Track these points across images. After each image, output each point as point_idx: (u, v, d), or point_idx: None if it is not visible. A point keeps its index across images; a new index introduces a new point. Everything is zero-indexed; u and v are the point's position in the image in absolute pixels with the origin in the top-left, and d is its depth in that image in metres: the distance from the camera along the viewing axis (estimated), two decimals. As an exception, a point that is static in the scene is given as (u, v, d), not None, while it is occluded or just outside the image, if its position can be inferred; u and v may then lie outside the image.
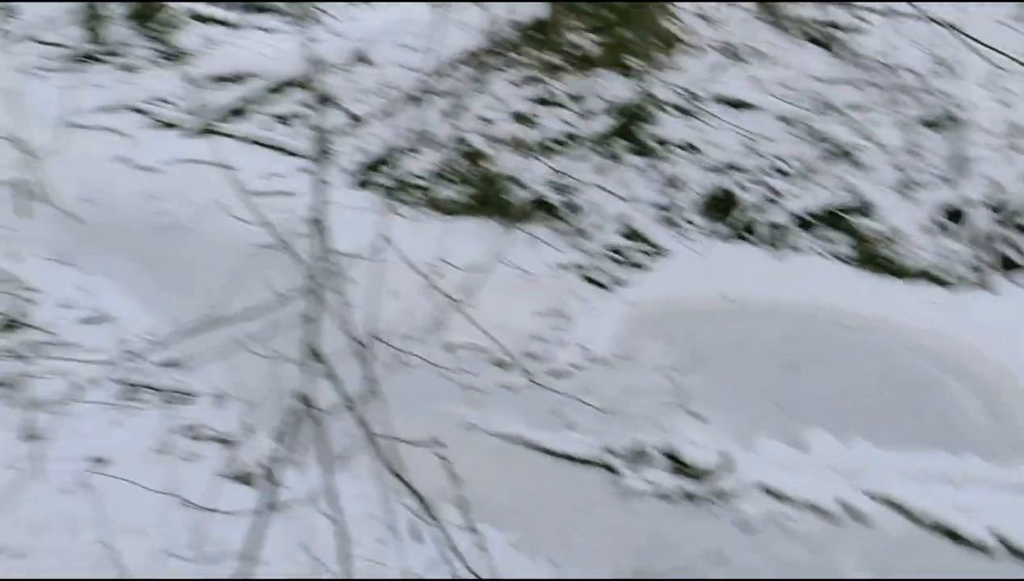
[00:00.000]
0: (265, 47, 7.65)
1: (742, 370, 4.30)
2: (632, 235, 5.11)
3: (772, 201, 5.16)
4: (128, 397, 3.48)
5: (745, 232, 5.15)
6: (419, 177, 5.66)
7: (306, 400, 1.95)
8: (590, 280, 4.93)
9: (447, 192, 5.61)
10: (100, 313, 4.25)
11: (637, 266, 4.96)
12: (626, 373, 4.33)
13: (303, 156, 6.12)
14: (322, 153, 1.66)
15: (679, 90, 5.59)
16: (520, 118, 5.64)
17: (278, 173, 5.96)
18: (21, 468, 2.93)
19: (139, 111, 6.65)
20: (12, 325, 3.84)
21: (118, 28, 7.68)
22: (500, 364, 4.24)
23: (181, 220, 5.56)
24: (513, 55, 5.83)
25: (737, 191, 5.22)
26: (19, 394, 3.34)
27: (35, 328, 3.88)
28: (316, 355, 2.00)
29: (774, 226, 5.10)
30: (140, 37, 7.66)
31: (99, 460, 3.13)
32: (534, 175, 5.42)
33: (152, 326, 4.35)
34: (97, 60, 7.40)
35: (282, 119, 6.44)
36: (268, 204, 5.86)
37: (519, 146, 5.54)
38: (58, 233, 5.41)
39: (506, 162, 5.51)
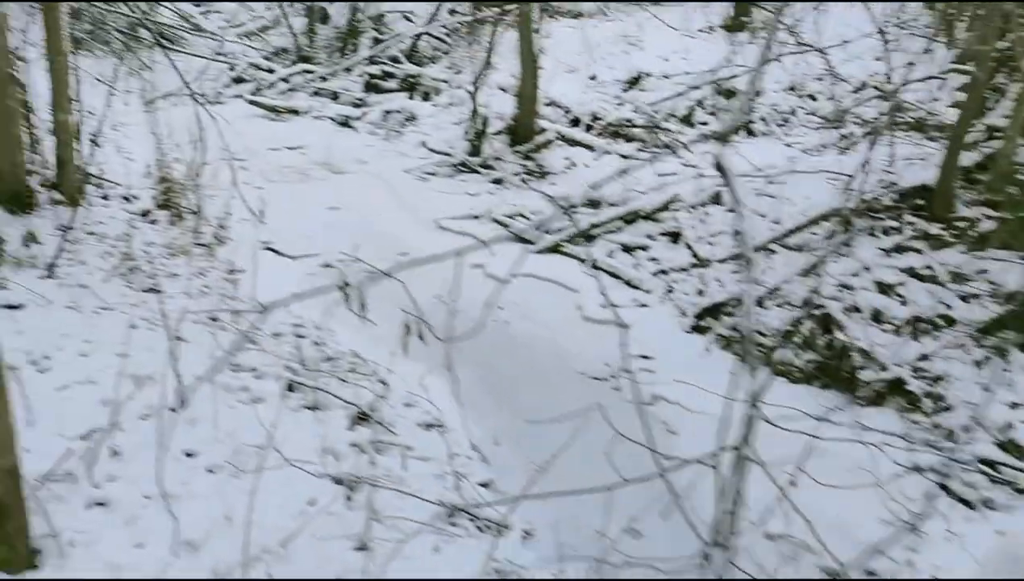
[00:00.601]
0: (621, 174, 7.92)
1: None
2: (1015, 449, 4.29)
3: None
4: (449, 520, 3.56)
5: None
6: (760, 332, 5.34)
7: None
8: (950, 493, 4.19)
9: (788, 353, 5.21)
10: (435, 418, 4.48)
11: (1020, 491, 4.13)
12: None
13: (642, 289, 6.12)
14: (753, 360, 1.50)
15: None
16: (885, 289, 5.11)
17: (617, 302, 5.99)
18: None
19: (499, 222, 7.16)
20: (363, 418, 4.16)
21: (495, 144, 8.47)
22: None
23: (519, 334, 5.78)
24: (886, 220, 5.35)
25: None
26: (356, 495, 3.57)
27: (381, 425, 4.16)
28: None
29: None
30: (513, 154, 8.37)
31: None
32: (893, 354, 4.83)
33: (480, 439, 4.48)
34: (473, 171, 8.19)
35: (628, 249, 6.53)
36: (603, 333, 5.96)
37: (879, 319, 4.99)
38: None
39: (862, 334, 4.99)
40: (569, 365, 5.45)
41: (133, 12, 8.67)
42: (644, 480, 2.45)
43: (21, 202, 5.10)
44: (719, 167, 1.65)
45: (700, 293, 5.88)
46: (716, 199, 6.61)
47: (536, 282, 6.37)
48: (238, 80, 10.51)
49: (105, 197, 6.01)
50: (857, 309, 5.06)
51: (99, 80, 8.45)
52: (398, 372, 4.95)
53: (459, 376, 4.63)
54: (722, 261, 5.98)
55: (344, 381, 4.44)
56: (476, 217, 7.32)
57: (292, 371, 4.36)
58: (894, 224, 5.36)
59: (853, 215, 5.42)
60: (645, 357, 5.43)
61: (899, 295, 5.06)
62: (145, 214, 6.18)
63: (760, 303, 5.46)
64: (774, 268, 5.75)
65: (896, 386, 4.78)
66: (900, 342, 4.90)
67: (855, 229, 5.31)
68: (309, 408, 4.09)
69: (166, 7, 11.66)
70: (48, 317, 4.27)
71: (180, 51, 10.27)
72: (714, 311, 5.70)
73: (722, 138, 1.61)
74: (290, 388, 4.18)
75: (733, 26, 10.41)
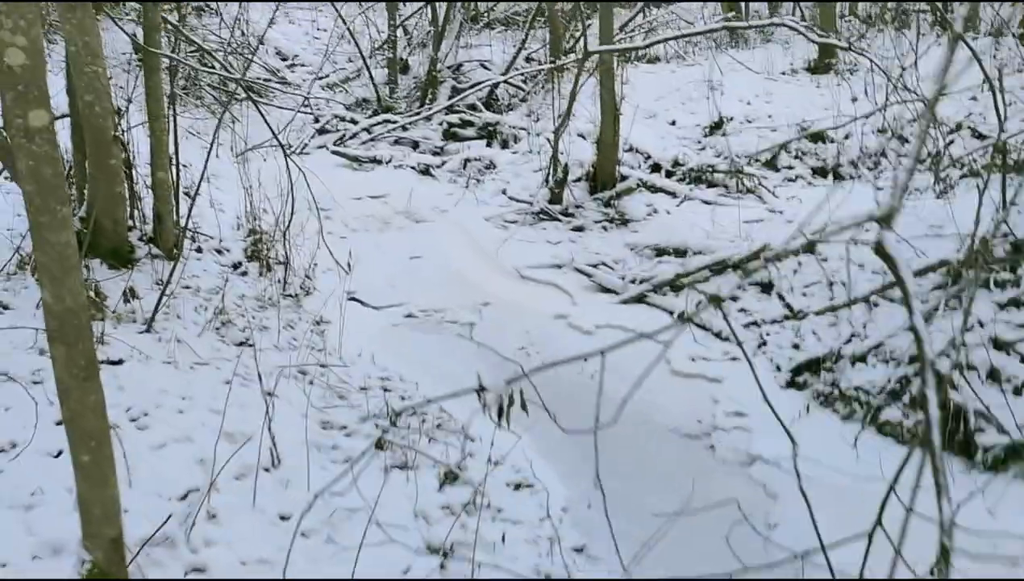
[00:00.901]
0: (706, 221, 7.78)
1: None
2: None
3: None
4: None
5: None
6: (862, 390, 5.07)
7: None
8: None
9: (894, 412, 4.92)
10: (524, 478, 4.36)
11: None
12: None
13: (732, 341, 5.91)
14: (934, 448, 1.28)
15: None
16: (1002, 346, 4.80)
17: (705, 356, 5.81)
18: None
19: (582, 272, 7.06)
20: (449, 477, 4.08)
21: (576, 191, 8.42)
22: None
23: (605, 389, 5.62)
24: (1000, 271, 5.04)
25: None
26: (450, 563, 3.47)
27: (469, 485, 4.08)
28: None
29: None
30: (593, 201, 8.30)
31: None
32: (1017, 418, 4.51)
33: (570, 500, 4.35)
34: (554, 219, 8.14)
35: (716, 300, 6.32)
36: (692, 387, 5.77)
37: (996, 379, 4.68)
38: (497, 377, 5.83)
39: (977, 394, 4.68)
40: (659, 421, 5.27)
41: (227, 70, 9.00)
42: (770, 567, 2.27)
43: (122, 258, 5.27)
44: (883, 254, 1.51)
45: (796, 347, 5.64)
46: (809, 248, 6.37)
47: (622, 334, 6.23)
48: (322, 131, 10.79)
49: (199, 250, 6.17)
50: (971, 367, 4.75)
51: (194, 134, 8.79)
52: (487, 426, 4.87)
53: (546, 431, 4.53)
54: (819, 313, 5.74)
55: (432, 439, 4.37)
56: (558, 266, 7.25)
57: (381, 428, 4.32)
58: (1009, 276, 5.05)
59: (963, 267, 5.14)
60: (739, 414, 5.21)
61: (1018, 353, 4.74)
62: (236, 266, 6.32)
63: (863, 359, 5.19)
64: (874, 321, 5.48)
65: (1018, 451, 4.45)
66: (1021, 403, 4.57)
67: (966, 281, 5.02)
68: (399, 467, 4.03)
69: (256, 62, 12.10)
70: (147, 372, 4.35)
71: (268, 104, 10.62)
72: (812, 366, 5.46)
73: (885, 220, 1.47)
74: (379, 446, 4.14)
75: (818, 68, 10.18)
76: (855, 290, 5.64)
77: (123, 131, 5.63)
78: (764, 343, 5.78)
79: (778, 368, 5.56)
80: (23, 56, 1.85)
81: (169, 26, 6.46)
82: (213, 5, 13.19)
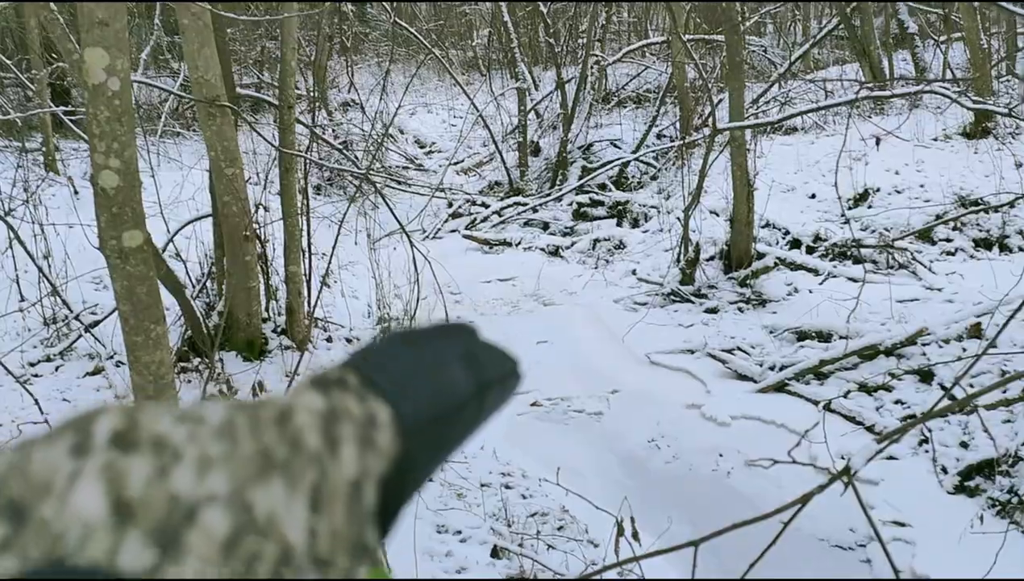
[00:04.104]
0: (853, 301, 7.20)
1: None
2: None
3: None
4: None
5: None
6: (1050, 500, 4.39)
7: None
8: None
9: (1091, 528, 4.21)
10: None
11: None
12: None
13: (885, 436, 5.31)
14: None
15: None
16: None
17: (856, 452, 5.24)
18: None
19: (715, 357, 6.66)
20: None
21: (709, 270, 8.07)
22: None
23: (743, 488, 5.18)
24: None
25: None
26: None
27: (591, 598, 3.76)
28: None
29: None
30: (727, 281, 7.91)
31: None
32: None
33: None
34: (686, 300, 7.81)
35: (868, 389, 5.77)
36: (839, 490, 5.21)
37: None
38: (626, 471, 5.51)
39: None
40: (804, 528, 4.75)
41: (355, 165, 9.40)
42: None
43: (255, 350, 5.43)
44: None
45: (964, 446, 5.00)
46: (975, 332, 5.73)
47: (760, 426, 5.77)
48: (455, 215, 11.02)
49: (329, 339, 6.29)
50: None
51: (333, 222, 9.17)
52: (610, 530, 4.56)
53: (677, 537, 4.16)
54: (991, 407, 5.08)
55: (551, 547, 4.11)
56: (690, 351, 6.88)
57: (497, 533, 4.11)
58: None
59: None
60: (899, 523, 4.62)
61: None
62: (365, 355, 6.39)
63: (1047, 463, 4.51)
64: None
65: None
66: None
67: None
68: None
69: (393, 151, 12.64)
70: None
71: (403, 190, 10.99)
72: (984, 468, 4.80)
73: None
74: (495, 554, 3.92)
75: (974, 133, 9.43)
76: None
77: (260, 226, 5.88)
78: (925, 440, 5.16)
79: (943, 470, 4.93)
80: (117, 178, 1.86)
81: (304, 127, 6.78)
82: (357, 101, 13.98)
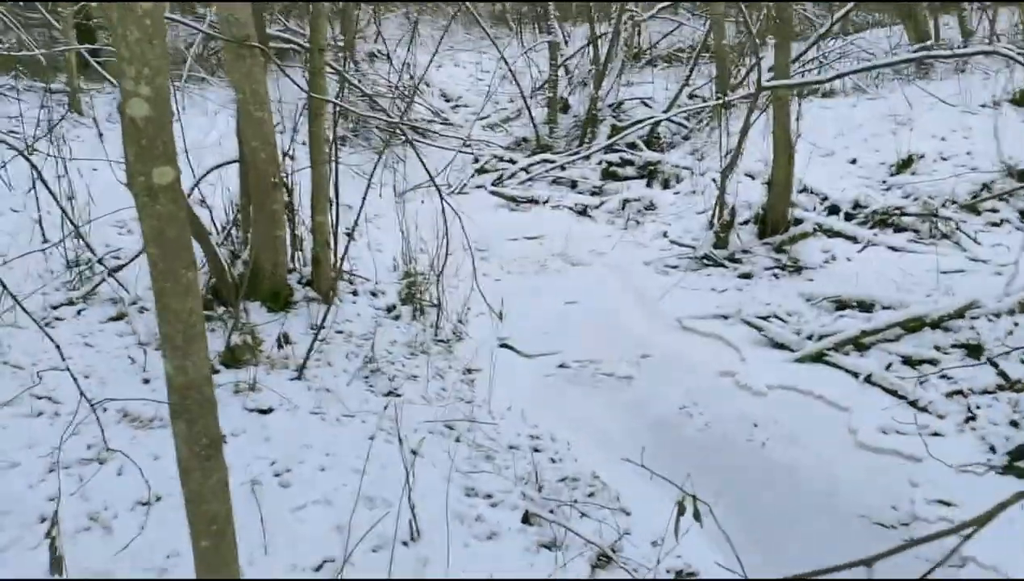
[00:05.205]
0: (895, 270, 6.96)
1: None
2: None
3: None
4: None
5: None
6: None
7: None
8: None
9: None
10: (686, 563, 3.87)
11: None
12: None
13: (933, 413, 5.12)
14: None
15: None
16: None
17: (899, 428, 5.06)
18: None
19: (750, 324, 6.46)
20: (604, 559, 3.66)
21: (743, 235, 7.82)
22: None
23: (779, 460, 5.01)
24: None
25: None
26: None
27: (624, 569, 3.64)
28: None
29: None
30: (763, 246, 7.67)
31: None
32: None
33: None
34: (719, 265, 7.59)
35: (912, 362, 5.56)
36: (881, 465, 5.03)
37: None
38: (655, 438, 5.34)
39: None
40: (843, 504, 4.59)
41: (387, 114, 9.16)
42: None
43: (280, 301, 5.29)
44: None
45: (1014, 424, 4.79)
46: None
47: (798, 397, 5.58)
48: (481, 171, 10.77)
49: (355, 293, 6.15)
50: None
51: (361, 175, 8.97)
52: (643, 498, 4.41)
53: (709, 507, 3.97)
54: (1042, 386, 4.87)
55: (584, 515, 3.97)
56: (724, 317, 6.68)
57: (528, 498, 3.98)
58: None
59: None
60: (944, 503, 4.45)
61: None
62: (390, 310, 6.24)
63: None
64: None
65: None
66: None
67: None
68: (547, 547, 3.66)
69: (420, 104, 12.37)
70: (294, 424, 4.25)
71: (430, 144, 10.75)
72: (1034, 449, 4.60)
73: None
74: (526, 520, 3.79)
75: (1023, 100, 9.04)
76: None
77: (287, 175, 5.71)
78: (972, 417, 4.96)
79: (992, 449, 4.74)
80: (147, 107, 1.68)
81: (334, 72, 6.55)
82: (384, 52, 13.67)
